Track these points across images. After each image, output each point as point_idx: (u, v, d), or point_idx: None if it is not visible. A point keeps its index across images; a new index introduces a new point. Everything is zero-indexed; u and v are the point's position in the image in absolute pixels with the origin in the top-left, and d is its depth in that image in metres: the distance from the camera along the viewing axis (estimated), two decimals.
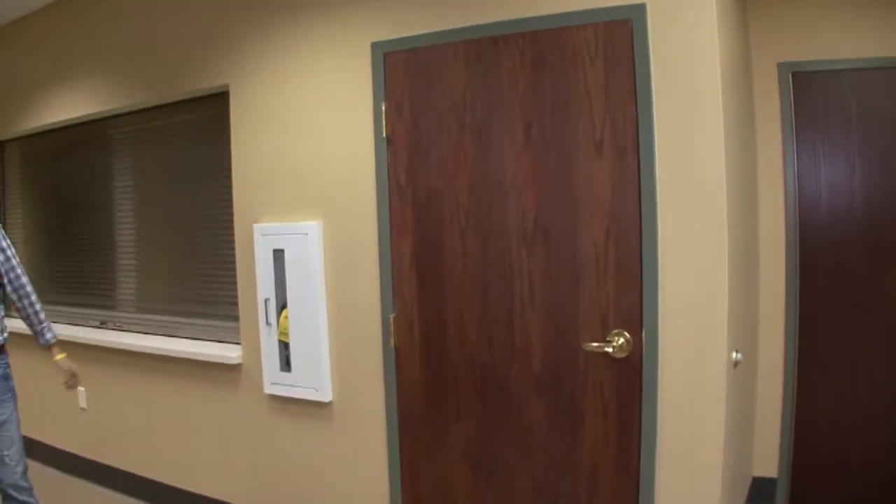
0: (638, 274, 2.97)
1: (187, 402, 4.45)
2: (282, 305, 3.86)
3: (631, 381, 3.01)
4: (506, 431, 3.31)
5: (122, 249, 5.05)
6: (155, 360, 4.56)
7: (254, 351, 4.05)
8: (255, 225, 3.94)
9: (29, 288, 3.68)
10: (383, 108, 3.48)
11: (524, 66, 3.16)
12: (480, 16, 3.24)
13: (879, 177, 4.02)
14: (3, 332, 3.54)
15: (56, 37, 5.14)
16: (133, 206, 4.97)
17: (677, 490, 2.97)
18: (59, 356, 3.74)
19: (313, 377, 3.78)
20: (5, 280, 3.63)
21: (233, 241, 4.15)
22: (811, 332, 4.18)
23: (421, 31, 3.39)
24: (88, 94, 4.92)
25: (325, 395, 3.77)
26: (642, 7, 2.89)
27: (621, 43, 2.95)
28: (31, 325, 3.71)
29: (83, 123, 5.15)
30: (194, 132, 4.49)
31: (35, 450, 5.34)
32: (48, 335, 3.70)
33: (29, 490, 3.58)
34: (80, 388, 5.06)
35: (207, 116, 4.35)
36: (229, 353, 4.14)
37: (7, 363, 3.56)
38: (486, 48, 3.24)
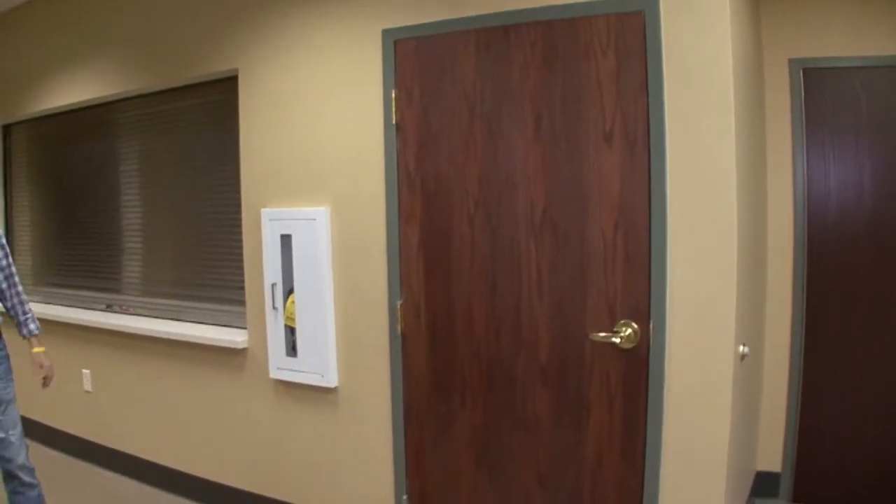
0: (646, 265, 2.97)
1: (193, 386, 4.46)
2: (288, 290, 3.87)
3: (638, 372, 3.02)
4: (511, 421, 3.32)
5: (128, 233, 5.06)
6: (161, 343, 4.57)
7: (260, 336, 4.06)
8: (262, 210, 3.94)
9: (18, 278, 3.68)
10: (393, 94, 3.48)
11: (535, 55, 3.15)
12: (492, 4, 3.24)
13: (889, 175, 4.01)
14: None
15: (63, 21, 5.14)
16: (140, 190, 4.97)
17: (682, 482, 2.97)
18: (38, 349, 3.68)
19: (319, 363, 3.78)
20: None
21: (240, 226, 4.15)
22: (818, 327, 4.18)
23: (432, 19, 3.39)
24: (95, 78, 4.91)
25: (331, 381, 3.77)
26: None
27: (633, 34, 2.94)
28: (15, 314, 3.65)
29: (90, 107, 5.14)
30: (202, 117, 4.48)
31: (40, 433, 5.37)
32: (31, 326, 3.65)
33: (33, 471, 3.59)
34: (86, 371, 5.07)
35: (215, 101, 4.35)
36: (235, 337, 4.15)
37: (4, 345, 3.57)
38: (496, 37, 3.23)
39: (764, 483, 4.29)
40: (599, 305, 3.07)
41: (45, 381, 3.70)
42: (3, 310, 3.66)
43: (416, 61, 3.43)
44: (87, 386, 5.11)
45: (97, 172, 5.22)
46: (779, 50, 4.16)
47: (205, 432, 4.44)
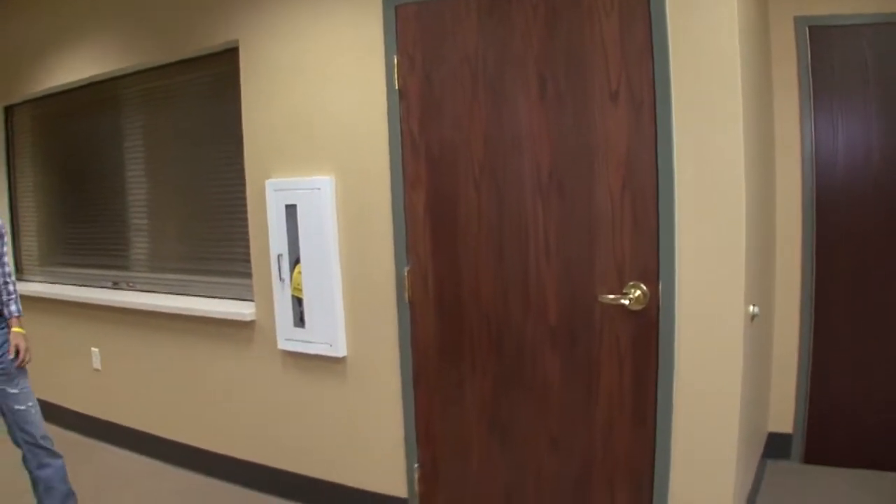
0: (654, 226, 2.94)
1: (201, 360, 4.46)
2: (295, 261, 3.85)
3: (647, 333, 3.00)
4: (521, 386, 3.31)
5: (133, 209, 5.05)
6: (168, 319, 4.57)
7: (267, 307, 4.05)
8: (266, 181, 3.92)
9: (8, 259, 3.66)
10: (395, 60, 3.44)
11: (537, 18, 3.11)
12: None
13: None
14: None
15: None
16: (143, 166, 4.95)
17: (694, 444, 2.97)
18: (17, 329, 3.61)
19: (327, 333, 3.77)
20: None
21: (244, 198, 4.13)
22: (828, 288, 4.16)
23: None
24: (95, 55, 4.88)
25: (339, 351, 3.77)
26: None
27: None
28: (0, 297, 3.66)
29: (91, 84, 5.11)
30: (204, 90, 4.46)
31: (51, 412, 5.35)
32: (13, 307, 3.61)
33: (53, 440, 3.60)
34: (94, 349, 5.08)
35: (217, 74, 4.32)
36: (242, 309, 4.14)
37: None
38: (498, 1, 3.19)
39: (776, 444, 4.29)
40: (608, 267, 3.05)
41: (21, 363, 3.58)
42: None
43: (417, 26, 3.40)
44: (97, 364, 5.11)
45: (100, 150, 5.20)
46: (784, 7, 4.10)
47: (214, 406, 4.44)
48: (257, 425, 4.24)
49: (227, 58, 4.17)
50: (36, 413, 3.56)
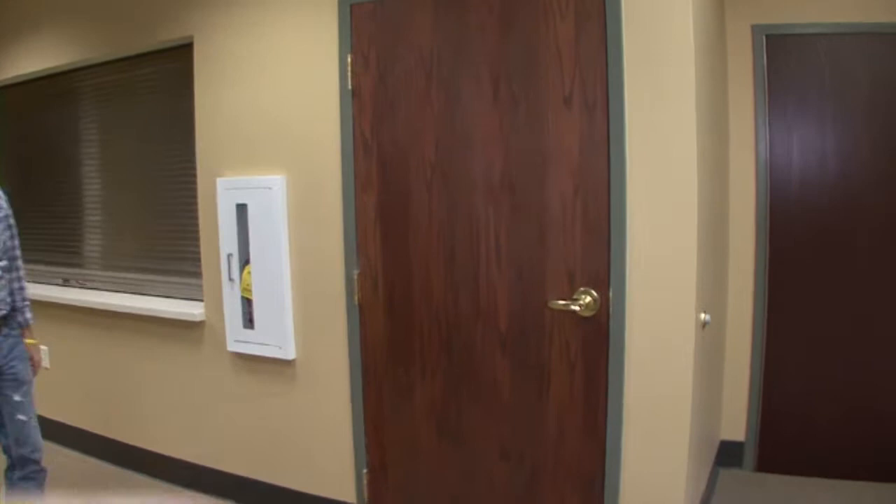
0: (606, 231, 2.92)
1: (151, 360, 4.38)
2: (245, 261, 3.79)
3: (598, 340, 2.98)
4: (471, 390, 3.28)
5: (86, 206, 4.95)
6: (118, 317, 4.48)
7: (217, 308, 3.98)
8: (217, 179, 3.86)
9: (21, 262, 3.57)
10: (349, 59, 3.40)
11: (493, 18, 3.08)
12: None
13: (852, 145, 4.00)
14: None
15: None
16: (97, 162, 4.86)
17: (645, 452, 2.95)
18: (32, 341, 3.56)
19: (276, 335, 3.72)
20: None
21: (196, 196, 4.06)
22: (780, 298, 4.18)
23: None
24: (51, 47, 4.77)
25: (289, 353, 3.71)
26: None
27: None
28: (12, 300, 3.53)
29: (45, 77, 5.01)
30: (160, 85, 4.38)
31: None
32: (28, 314, 3.55)
33: (43, 455, 3.50)
34: (43, 347, 4.97)
35: (172, 69, 4.24)
36: (193, 310, 4.07)
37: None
38: (454, 0, 3.16)
39: (728, 452, 4.30)
40: (559, 272, 3.02)
41: (34, 370, 3.55)
42: None
43: (372, 25, 3.35)
44: (45, 363, 5.01)
45: (53, 143, 5.10)
46: (742, 15, 4.12)
47: (163, 407, 4.37)
48: (206, 427, 4.17)
49: (183, 53, 4.10)
50: (35, 427, 3.44)
